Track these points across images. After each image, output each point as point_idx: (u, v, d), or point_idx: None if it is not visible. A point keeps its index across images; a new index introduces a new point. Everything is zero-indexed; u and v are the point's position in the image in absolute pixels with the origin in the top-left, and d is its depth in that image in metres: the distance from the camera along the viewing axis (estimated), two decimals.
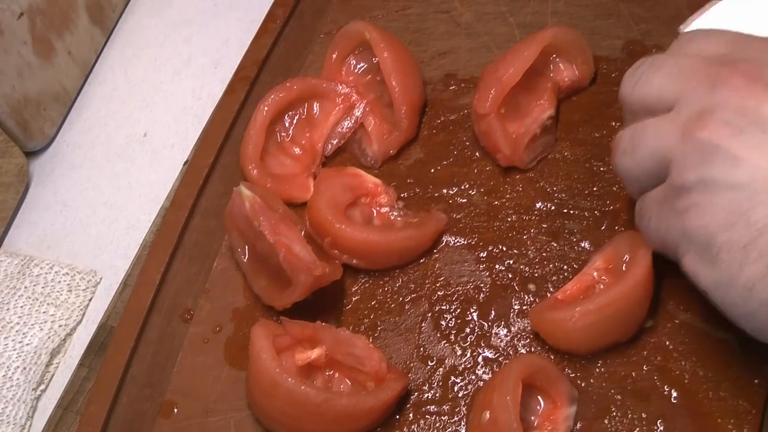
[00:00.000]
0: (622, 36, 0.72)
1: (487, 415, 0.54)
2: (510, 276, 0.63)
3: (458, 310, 0.63)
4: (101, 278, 0.75)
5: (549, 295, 0.62)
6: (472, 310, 0.62)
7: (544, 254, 0.64)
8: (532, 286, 0.63)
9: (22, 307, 0.72)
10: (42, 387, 0.70)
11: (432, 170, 0.69)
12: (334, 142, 0.72)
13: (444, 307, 0.63)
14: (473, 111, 0.67)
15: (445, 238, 0.66)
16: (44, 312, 0.72)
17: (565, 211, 0.65)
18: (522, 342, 0.61)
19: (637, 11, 0.72)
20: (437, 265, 0.65)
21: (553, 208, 0.65)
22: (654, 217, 0.52)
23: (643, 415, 0.56)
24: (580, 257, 0.63)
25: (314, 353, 0.60)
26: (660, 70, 0.51)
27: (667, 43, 0.69)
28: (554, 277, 0.62)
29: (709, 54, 0.50)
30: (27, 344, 0.70)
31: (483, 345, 0.61)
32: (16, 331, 0.71)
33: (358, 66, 0.74)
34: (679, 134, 0.48)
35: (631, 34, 0.72)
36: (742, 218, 0.44)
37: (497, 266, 0.64)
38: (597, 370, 0.58)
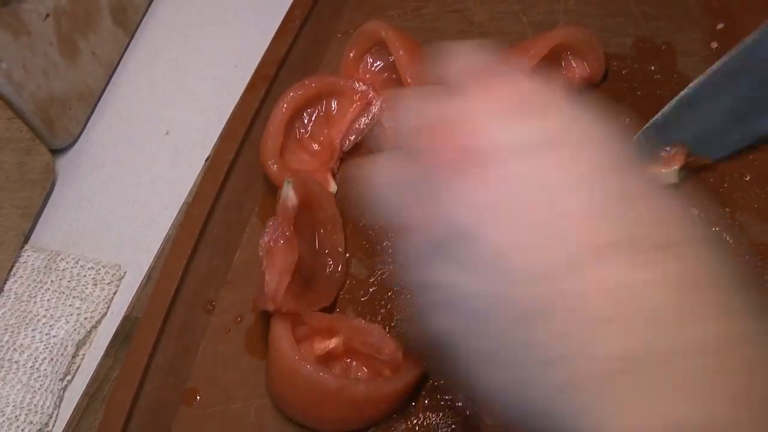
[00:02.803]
0: (632, 33, 0.72)
1: None
2: None
3: None
4: (125, 272, 0.76)
5: None
6: None
7: None
8: None
9: (48, 300, 0.74)
10: (68, 377, 0.71)
11: None
12: (352, 138, 0.73)
13: None
14: None
15: None
16: (70, 305, 0.73)
17: None
18: None
19: (647, 9, 0.73)
20: None
21: None
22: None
23: None
24: None
25: (332, 342, 0.61)
26: None
27: (677, 40, 0.71)
28: None
29: None
30: (54, 336, 0.72)
31: None
32: (43, 324, 0.72)
33: (375, 64, 0.75)
34: None
35: (641, 32, 0.72)
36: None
37: None
38: None
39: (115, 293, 0.75)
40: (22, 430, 0.68)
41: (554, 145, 0.39)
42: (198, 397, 0.65)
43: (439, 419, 0.60)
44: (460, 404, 0.60)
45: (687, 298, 0.35)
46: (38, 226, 0.81)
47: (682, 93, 0.64)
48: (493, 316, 0.39)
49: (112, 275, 0.75)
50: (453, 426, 0.59)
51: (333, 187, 0.71)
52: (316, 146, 0.73)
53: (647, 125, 0.65)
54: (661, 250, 0.36)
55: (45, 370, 0.70)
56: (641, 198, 0.38)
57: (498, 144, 0.40)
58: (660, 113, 0.64)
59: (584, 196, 0.38)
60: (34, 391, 0.69)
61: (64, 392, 0.71)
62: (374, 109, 0.72)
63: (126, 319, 0.72)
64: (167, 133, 0.84)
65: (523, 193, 0.38)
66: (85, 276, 0.75)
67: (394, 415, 0.60)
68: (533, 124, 0.40)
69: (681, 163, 0.64)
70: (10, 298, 0.74)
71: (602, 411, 0.35)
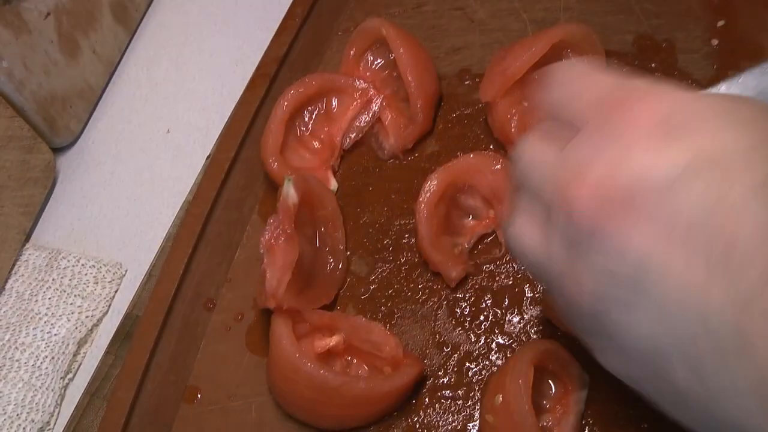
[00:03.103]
0: (632, 31, 0.72)
1: (500, 399, 0.56)
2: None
3: (473, 298, 0.64)
4: (126, 270, 0.77)
5: None
6: (486, 298, 0.63)
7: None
8: None
9: (50, 298, 0.74)
10: (70, 375, 0.72)
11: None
12: (352, 136, 0.73)
13: (459, 296, 0.64)
14: (486, 104, 0.69)
15: None
16: (71, 303, 0.74)
17: None
18: (534, 328, 0.62)
19: (647, 6, 0.73)
20: None
21: None
22: (554, 287, 0.44)
23: None
24: None
25: (333, 340, 0.62)
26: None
27: (678, 38, 0.71)
28: None
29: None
30: (55, 334, 0.72)
31: (497, 331, 0.62)
32: (45, 322, 0.73)
33: (375, 62, 0.75)
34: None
35: (641, 29, 0.72)
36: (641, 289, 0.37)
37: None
38: None
39: (116, 291, 0.75)
40: (24, 428, 0.68)
41: (716, 161, 0.36)
42: (199, 395, 0.65)
43: (439, 417, 0.60)
44: (459, 402, 0.60)
45: None
46: (39, 224, 0.81)
47: None
48: (682, 356, 0.36)
49: (113, 273, 0.76)
50: (453, 423, 0.59)
51: (333, 184, 0.71)
52: (316, 144, 0.73)
53: None
54: None
55: (46, 368, 0.71)
56: None
57: (656, 176, 0.36)
58: None
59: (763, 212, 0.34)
60: (36, 389, 0.70)
61: (65, 390, 0.71)
62: (374, 106, 0.72)
63: (127, 317, 0.72)
64: (168, 131, 0.84)
65: (697, 222, 0.35)
66: (86, 274, 0.75)
67: (395, 413, 0.61)
68: (687, 143, 0.36)
69: None
70: (11, 297, 0.75)
71: None
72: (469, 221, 0.68)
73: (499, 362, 0.61)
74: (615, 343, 0.40)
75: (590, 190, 0.38)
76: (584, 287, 0.39)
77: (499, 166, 0.65)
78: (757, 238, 0.33)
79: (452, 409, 0.60)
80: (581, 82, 0.43)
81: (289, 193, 0.64)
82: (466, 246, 0.66)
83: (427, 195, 0.65)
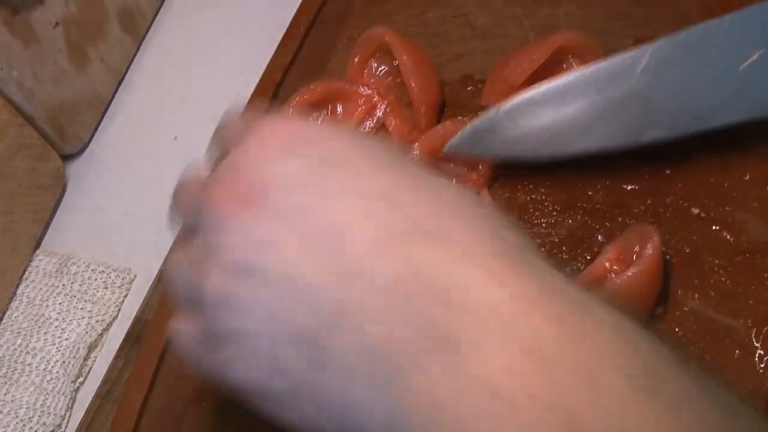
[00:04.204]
0: (632, 36, 0.72)
1: None
2: None
3: None
4: (135, 275, 0.77)
5: None
6: None
7: (557, 245, 0.65)
8: None
9: (60, 304, 0.75)
10: (80, 379, 0.72)
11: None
12: None
13: None
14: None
15: None
16: (81, 308, 0.74)
17: (579, 204, 0.66)
18: None
19: (648, 12, 0.73)
20: None
21: (566, 200, 0.67)
22: (196, 358, 0.44)
23: None
24: (593, 248, 0.64)
25: None
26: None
27: None
28: (567, 268, 0.64)
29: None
30: (66, 339, 0.73)
31: None
32: (55, 327, 0.73)
33: (379, 69, 0.75)
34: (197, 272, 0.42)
35: (642, 34, 0.72)
36: (277, 368, 0.39)
37: None
38: None
39: (125, 296, 0.76)
40: (36, 431, 0.69)
41: (335, 164, 0.40)
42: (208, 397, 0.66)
43: None
44: None
45: None
46: (49, 230, 0.82)
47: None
48: (281, 341, 0.38)
49: (123, 278, 0.76)
50: None
51: None
52: None
53: (455, 138, 0.66)
54: None
55: (57, 372, 0.71)
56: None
57: (278, 177, 0.40)
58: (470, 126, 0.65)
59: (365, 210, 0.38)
60: (47, 393, 0.70)
61: (76, 394, 0.72)
62: (378, 112, 0.73)
63: (136, 321, 0.72)
64: (175, 138, 0.85)
65: (306, 217, 0.38)
66: (96, 280, 0.76)
67: None
68: (309, 151, 0.41)
69: (487, 184, 0.67)
70: (22, 302, 0.75)
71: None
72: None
73: None
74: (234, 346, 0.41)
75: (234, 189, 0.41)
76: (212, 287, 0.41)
77: None
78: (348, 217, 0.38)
79: None
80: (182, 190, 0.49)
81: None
82: None
83: None
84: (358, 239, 0.37)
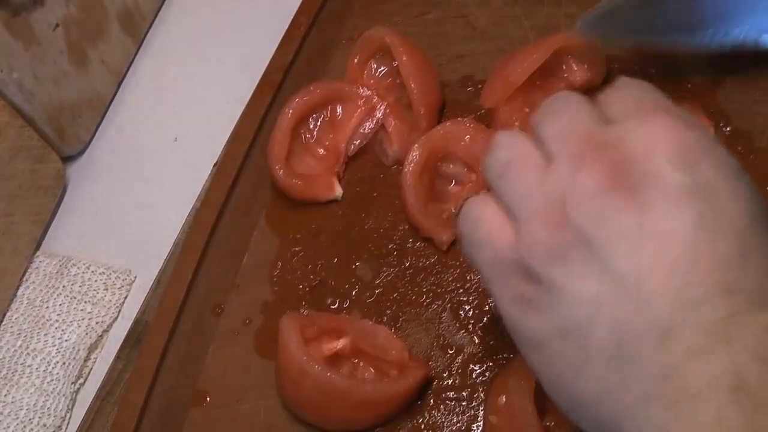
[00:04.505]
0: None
1: (504, 400, 0.56)
2: None
3: (476, 301, 0.64)
4: (136, 277, 0.77)
5: None
6: (489, 301, 0.64)
7: None
8: None
9: (60, 305, 0.75)
10: (81, 380, 0.72)
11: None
12: (357, 143, 0.73)
13: (463, 299, 0.65)
14: (489, 110, 0.70)
15: None
16: (82, 310, 0.74)
17: None
18: None
19: None
20: (455, 260, 0.67)
21: None
22: (496, 284, 0.45)
23: None
24: None
25: (340, 343, 0.62)
26: (554, 113, 0.45)
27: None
28: None
29: (608, 112, 0.44)
30: (66, 340, 0.73)
31: (500, 333, 0.62)
32: (56, 328, 0.73)
33: (379, 69, 0.75)
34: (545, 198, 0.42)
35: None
36: (579, 335, 0.40)
37: None
38: None
39: (125, 297, 0.76)
40: None
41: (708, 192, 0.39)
42: (208, 399, 0.66)
43: (444, 418, 0.60)
44: (464, 403, 0.61)
45: None
46: (50, 232, 0.82)
47: None
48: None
49: (123, 280, 0.76)
50: (457, 424, 0.60)
51: (338, 191, 0.72)
52: (321, 151, 0.74)
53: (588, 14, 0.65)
54: None
55: (57, 373, 0.71)
56: None
57: (657, 177, 0.39)
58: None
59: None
60: (47, 395, 0.70)
61: (76, 395, 0.72)
62: (378, 113, 0.73)
63: (137, 322, 0.72)
64: (176, 139, 0.85)
65: (665, 228, 0.38)
66: (96, 281, 0.76)
67: (401, 414, 0.61)
68: (695, 169, 0.39)
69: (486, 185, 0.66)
70: (22, 304, 0.75)
71: None
72: (453, 187, 0.70)
73: (503, 363, 0.61)
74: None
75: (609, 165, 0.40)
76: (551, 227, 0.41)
77: (472, 132, 0.68)
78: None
79: (457, 410, 0.61)
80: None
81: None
82: (453, 211, 0.68)
83: (411, 165, 0.67)
84: (707, 280, 0.37)
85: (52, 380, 0.71)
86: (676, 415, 0.36)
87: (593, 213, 0.39)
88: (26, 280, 0.77)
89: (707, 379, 0.36)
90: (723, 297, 0.37)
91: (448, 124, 0.69)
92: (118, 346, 0.72)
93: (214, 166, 0.78)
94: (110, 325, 0.75)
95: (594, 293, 0.39)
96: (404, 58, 0.71)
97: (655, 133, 0.40)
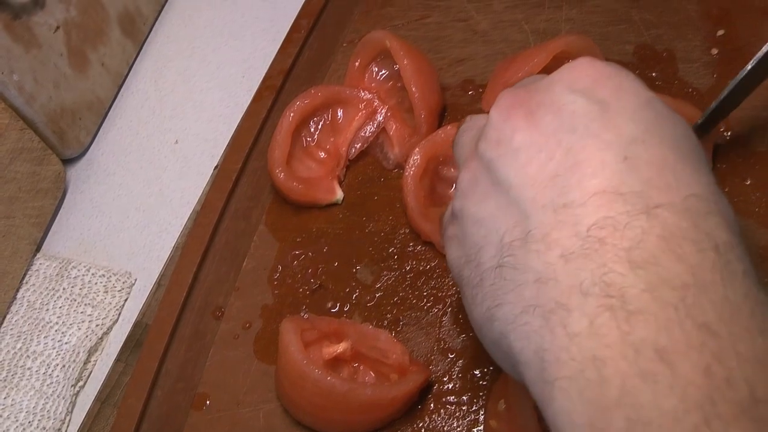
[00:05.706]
0: (633, 41, 0.73)
1: (504, 404, 0.56)
2: None
3: None
4: (136, 279, 0.77)
5: None
6: None
7: None
8: None
9: (60, 307, 0.75)
10: (81, 383, 0.72)
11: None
12: (358, 146, 0.74)
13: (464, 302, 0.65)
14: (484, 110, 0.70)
15: None
16: (82, 312, 0.74)
17: None
18: None
19: (647, 17, 0.74)
20: None
21: None
22: (445, 244, 0.49)
23: None
24: None
25: (340, 347, 0.62)
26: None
27: (678, 47, 0.72)
28: None
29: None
30: (66, 343, 0.73)
31: None
32: (56, 331, 0.73)
33: (380, 73, 0.75)
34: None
35: (642, 39, 0.73)
36: (476, 257, 0.43)
37: None
38: None
39: (125, 300, 0.76)
40: None
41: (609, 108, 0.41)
42: (208, 402, 0.66)
43: (444, 422, 0.60)
44: (464, 407, 0.61)
45: None
46: (50, 234, 0.82)
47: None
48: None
49: (123, 282, 0.76)
50: (457, 429, 0.60)
51: (339, 194, 0.72)
52: (322, 154, 0.74)
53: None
54: None
55: (57, 376, 0.71)
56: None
57: (553, 101, 0.42)
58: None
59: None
60: (47, 397, 0.70)
61: (76, 398, 0.72)
62: (379, 117, 0.73)
63: (137, 325, 0.73)
64: (176, 142, 0.85)
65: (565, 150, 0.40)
66: (96, 283, 0.76)
67: (401, 418, 0.61)
68: (599, 95, 0.41)
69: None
70: (22, 306, 0.75)
71: None
72: (453, 191, 0.69)
73: None
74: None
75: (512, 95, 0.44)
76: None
77: None
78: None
79: (457, 414, 0.61)
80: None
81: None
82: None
83: (412, 169, 0.68)
84: (585, 185, 0.38)
85: (52, 383, 0.71)
86: (550, 326, 0.36)
87: (495, 138, 0.43)
88: (26, 283, 0.77)
89: (579, 286, 0.36)
90: (600, 201, 0.37)
91: (449, 127, 0.69)
92: (118, 349, 0.72)
93: (214, 169, 0.79)
94: (110, 328, 0.75)
95: (490, 213, 0.42)
96: (405, 62, 0.71)
97: (568, 68, 0.43)
